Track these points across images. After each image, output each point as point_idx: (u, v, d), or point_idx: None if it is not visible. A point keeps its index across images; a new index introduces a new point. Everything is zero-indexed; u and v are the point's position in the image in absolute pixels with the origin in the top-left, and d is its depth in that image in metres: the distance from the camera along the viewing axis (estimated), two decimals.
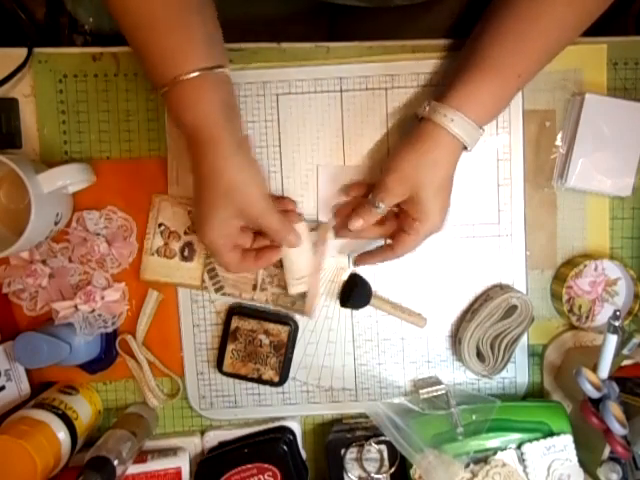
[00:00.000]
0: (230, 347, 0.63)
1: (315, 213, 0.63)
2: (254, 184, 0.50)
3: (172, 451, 0.63)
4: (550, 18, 0.49)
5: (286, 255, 0.58)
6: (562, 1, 0.48)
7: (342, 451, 0.62)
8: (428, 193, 0.52)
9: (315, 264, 0.60)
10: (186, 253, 0.62)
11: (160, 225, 0.62)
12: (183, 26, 0.47)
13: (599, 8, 0.50)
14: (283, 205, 0.60)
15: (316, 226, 0.61)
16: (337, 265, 0.63)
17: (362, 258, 0.61)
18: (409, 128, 0.57)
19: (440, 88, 0.60)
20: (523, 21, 0.49)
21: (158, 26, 0.47)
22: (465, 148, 0.53)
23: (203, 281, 0.63)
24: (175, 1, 0.47)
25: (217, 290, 0.63)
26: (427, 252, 0.63)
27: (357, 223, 0.56)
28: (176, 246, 0.62)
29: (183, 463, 0.62)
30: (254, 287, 0.63)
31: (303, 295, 0.62)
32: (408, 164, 0.52)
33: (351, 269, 0.63)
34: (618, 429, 0.53)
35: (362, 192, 0.60)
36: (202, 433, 0.65)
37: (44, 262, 0.61)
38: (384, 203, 0.54)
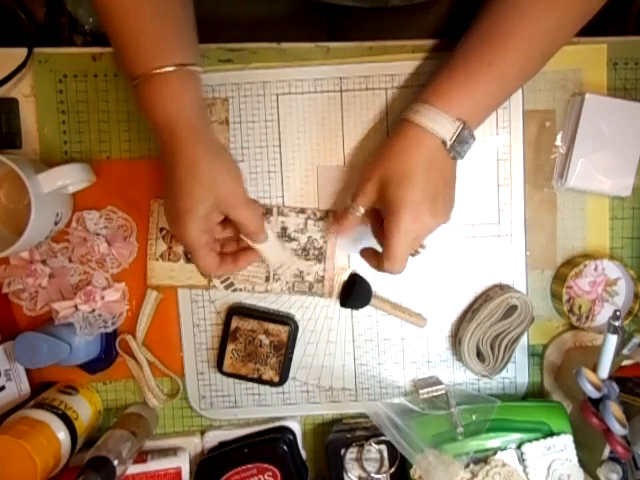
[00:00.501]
0: (230, 347, 0.63)
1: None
2: (234, 173, 0.51)
3: (172, 451, 0.63)
4: (529, 16, 0.48)
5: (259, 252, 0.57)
6: (543, 1, 0.48)
7: (342, 451, 0.62)
8: (391, 184, 0.50)
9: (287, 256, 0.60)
10: (190, 255, 0.62)
11: (162, 230, 0.62)
12: (164, 18, 0.47)
13: (581, 11, 0.50)
14: None
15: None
16: (337, 265, 0.63)
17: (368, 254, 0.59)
18: None
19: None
20: (501, 19, 0.49)
21: (139, 15, 0.47)
22: (444, 143, 0.50)
23: (210, 280, 0.63)
24: None
25: (227, 287, 0.63)
26: (427, 252, 0.63)
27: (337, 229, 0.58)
28: (179, 249, 0.62)
29: (183, 463, 0.62)
30: (267, 279, 0.63)
31: (320, 279, 0.62)
32: (372, 159, 0.53)
33: (351, 269, 0.63)
34: (618, 429, 0.53)
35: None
36: (202, 433, 0.65)
37: (44, 262, 0.61)
38: (359, 205, 0.54)
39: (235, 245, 0.57)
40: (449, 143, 0.50)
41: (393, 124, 0.61)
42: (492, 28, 0.50)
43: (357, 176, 0.56)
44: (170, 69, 0.47)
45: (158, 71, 0.47)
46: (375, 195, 0.53)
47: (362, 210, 0.54)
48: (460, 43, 0.53)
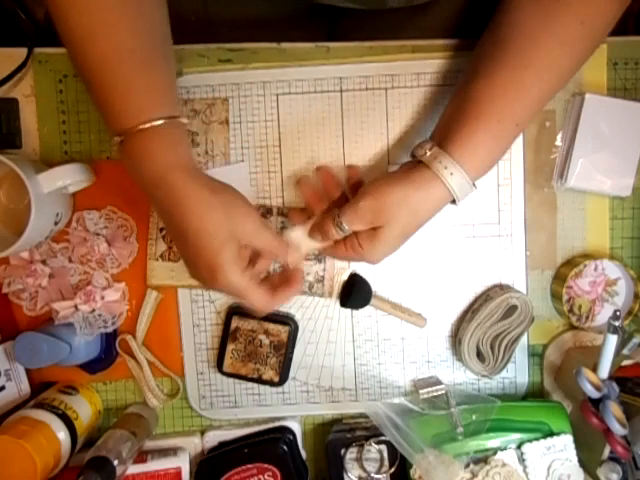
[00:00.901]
0: (230, 347, 0.63)
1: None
2: (241, 198, 0.48)
3: (172, 451, 0.63)
4: (543, 61, 0.48)
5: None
6: (553, 42, 0.48)
7: (342, 451, 0.62)
8: (390, 234, 0.50)
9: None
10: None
11: (162, 230, 0.62)
12: (152, 71, 0.45)
13: (592, 46, 0.50)
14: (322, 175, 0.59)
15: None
16: (337, 265, 0.63)
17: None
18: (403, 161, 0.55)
19: (440, 122, 0.56)
20: (516, 67, 0.48)
21: (125, 70, 0.44)
22: (453, 202, 0.51)
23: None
24: (143, 45, 0.45)
25: None
26: (427, 252, 0.63)
27: (316, 238, 0.55)
28: None
29: (183, 463, 0.62)
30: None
31: (320, 279, 0.62)
32: (390, 199, 0.49)
33: (351, 269, 0.63)
34: (618, 429, 0.53)
35: (324, 206, 0.57)
36: (202, 433, 0.65)
37: (44, 262, 0.61)
38: (349, 226, 0.51)
39: (278, 275, 0.56)
40: (457, 204, 0.51)
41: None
42: (519, 86, 0.49)
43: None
44: (159, 122, 0.45)
45: (146, 125, 0.44)
46: (369, 226, 0.51)
47: (348, 231, 0.52)
48: (485, 92, 0.49)
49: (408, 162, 0.53)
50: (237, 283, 0.47)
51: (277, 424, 0.64)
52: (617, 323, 0.55)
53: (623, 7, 0.48)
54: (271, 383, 0.63)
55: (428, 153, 0.50)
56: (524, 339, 0.64)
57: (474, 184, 0.50)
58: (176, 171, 0.45)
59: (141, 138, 0.45)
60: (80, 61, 0.45)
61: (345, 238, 0.54)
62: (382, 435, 0.60)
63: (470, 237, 0.63)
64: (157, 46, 0.46)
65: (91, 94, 0.46)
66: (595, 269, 0.63)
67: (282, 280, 0.54)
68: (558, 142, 0.63)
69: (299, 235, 0.56)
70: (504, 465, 0.58)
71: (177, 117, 0.47)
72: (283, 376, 0.63)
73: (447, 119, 0.52)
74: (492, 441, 0.59)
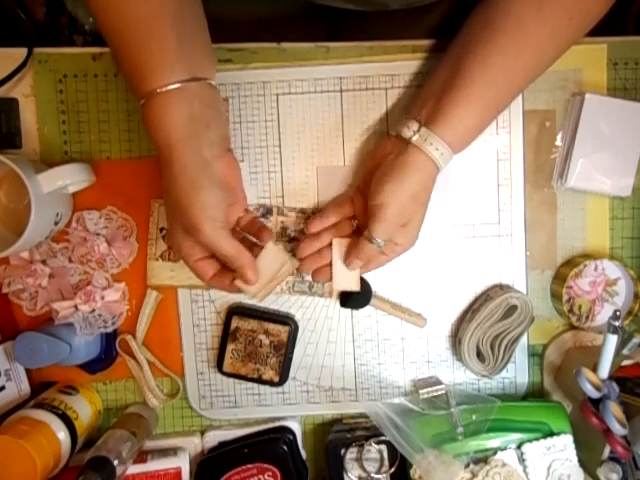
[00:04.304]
0: (230, 347, 0.63)
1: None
2: (200, 208, 0.48)
3: (172, 451, 0.63)
4: (531, 50, 0.50)
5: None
6: (542, 33, 0.50)
7: (342, 451, 0.62)
8: (417, 220, 0.54)
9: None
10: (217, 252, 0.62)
11: (162, 230, 0.62)
12: (151, 39, 0.46)
13: (575, 40, 0.52)
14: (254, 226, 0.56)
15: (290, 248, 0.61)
16: None
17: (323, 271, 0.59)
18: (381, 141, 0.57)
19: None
20: (506, 54, 0.50)
21: (129, 39, 0.46)
22: (438, 169, 0.53)
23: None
24: (154, 8, 0.45)
25: None
26: (427, 252, 0.63)
27: (356, 265, 0.55)
28: None
29: (183, 463, 0.62)
30: None
31: None
32: (405, 198, 0.51)
33: None
34: (618, 429, 0.53)
35: (323, 226, 0.58)
36: (202, 433, 0.65)
37: (44, 262, 0.61)
38: (385, 239, 0.53)
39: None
40: (442, 169, 0.53)
41: (394, 131, 0.61)
42: (505, 72, 0.51)
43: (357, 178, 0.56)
44: (158, 90, 0.46)
45: (159, 90, 0.46)
46: (400, 228, 0.53)
47: (383, 243, 0.53)
48: (471, 73, 0.51)
49: (397, 144, 0.54)
50: (176, 252, 0.53)
51: (277, 424, 0.64)
52: (617, 323, 0.55)
53: (608, 6, 0.50)
54: (271, 383, 0.63)
55: (416, 136, 0.51)
56: (524, 339, 0.64)
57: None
58: (163, 150, 0.48)
59: (146, 106, 0.47)
60: (105, 26, 0.47)
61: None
62: (382, 435, 0.60)
63: (470, 237, 0.63)
64: (164, 12, 0.46)
65: (116, 59, 0.49)
66: (595, 269, 0.63)
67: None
68: (558, 142, 0.63)
69: (270, 246, 0.54)
70: (504, 465, 0.58)
71: (186, 80, 0.47)
72: (283, 376, 0.63)
73: (434, 95, 0.53)
74: (492, 441, 0.59)
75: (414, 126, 0.52)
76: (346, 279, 0.57)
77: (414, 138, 0.52)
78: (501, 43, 0.50)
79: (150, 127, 0.48)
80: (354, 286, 0.58)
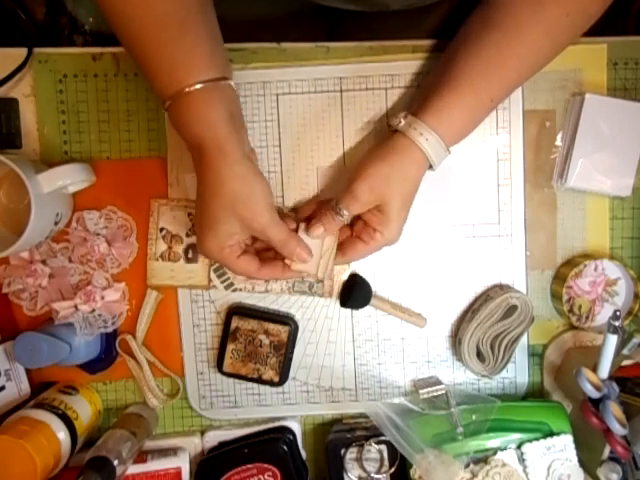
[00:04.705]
0: (230, 347, 0.63)
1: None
2: (260, 194, 0.49)
3: (172, 451, 0.63)
4: (527, 46, 0.50)
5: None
6: (539, 30, 0.50)
7: (342, 451, 0.62)
8: (395, 206, 0.52)
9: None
10: (190, 255, 0.62)
11: (162, 230, 0.62)
12: (186, 36, 0.46)
13: (572, 38, 0.52)
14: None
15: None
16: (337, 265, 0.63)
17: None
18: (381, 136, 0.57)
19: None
20: (502, 48, 0.50)
21: (159, 37, 0.46)
22: (430, 167, 0.53)
23: (210, 280, 0.63)
24: (176, 9, 0.46)
25: (227, 287, 0.63)
26: (427, 252, 0.63)
27: (318, 230, 0.54)
28: (179, 249, 0.62)
29: (183, 463, 0.62)
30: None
31: (319, 279, 0.62)
32: (378, 174, 0.52)
33: (351, 269, 0.63)
34: (618, 429, 0.53)
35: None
36: (202, 433, 0.65)
37: (44, 262, 0.61)
38: (349, 211, 0.53)
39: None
40: (434, 169, 0.53)
41: (387, 127, 0.61)
42: (498, 63, 0.51)
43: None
44: (198, 87, 0.46)
45: (186, 90, 0.46)
46: (369, 206, 0.53)
47: (349, 216, 0.53)
48: (464, 65, 0.52)
49: (386, 134, 0.55)
50: (214, 256, 0.51)
51: (277, 424, 0.64)
52: (617, 323, 0.55)
53: (605, 6, 0.50)
54: (271, 383, 0.63)
55: (402, 122, 0.52)
56: (524, 339, 0.64)
57: (448, 149, 0.52)
58: (206, 139, 0.47)
59: (179, 104, 0.47)
60: (121, 32, 0.47)
61: (361, 234, 0.55)
62: (382, 435, 0.60)
63: (470, 237, 0.63)
64: (194, 11, 0.47)
65: (136, 62, 0.48)
66: (595, 269, 0.63)
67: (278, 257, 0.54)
68: (558, 142, 0.63)
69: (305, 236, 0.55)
70: (504, 465, 0.58)
71: (215, 80, 0.47)
72: (283, 376, 0.63)
73: (424, 91, 0.54)
74: (492, 441, 0.59)
75: (402, 115, 0.53)
76: (312, 263, 0.55)
77: (400, 125, 0.52)
78: (496, 37, 0.51)
79: (191, 123, 0.47)
80: (312, 269, 0.55)
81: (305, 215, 0.58)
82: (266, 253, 0.56)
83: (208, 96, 0.47)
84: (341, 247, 0.56)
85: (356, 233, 0.56)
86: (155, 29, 0.46)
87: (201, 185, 0.50)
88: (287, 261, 0.54)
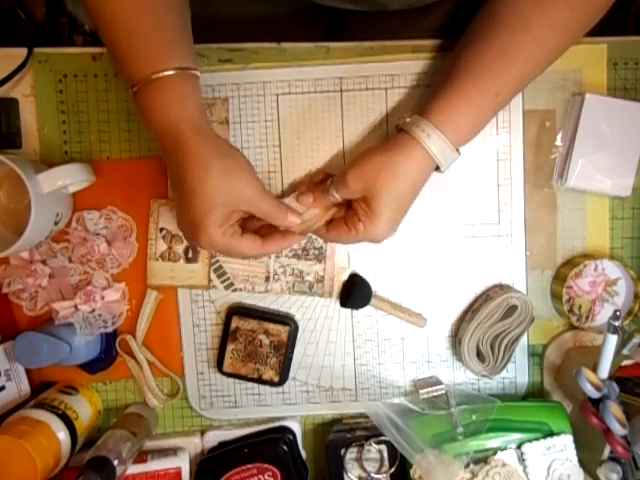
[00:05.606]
0: (230, 347, 0.63)
1: None
2: (245, 165, 0.50)
3: (172, 451, 0.63)
4: (532, 41, 0.50)
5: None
6: (543, 25, 0.50)
7: (342, 451, 0.62)
8: (381, 202, 0.51)
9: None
10: (190, 255, 0.62)
11: (162, 230, 0.62)
12: (163, 26, 0.47)
13: (578, 34, 0.52)
14: None
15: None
16: (337, 265, 0.63)
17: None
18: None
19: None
20: (505, 43, 0.50)
21: (138, 24, 0.47)
22: (438, 169, 0.52)
23: (210, 280, 0.63)
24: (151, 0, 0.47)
25: (227, 287, 0.63)
26: (427, 252, 0.63)
27: (308, 199, 0.55)
28: (179, 249, 0.62)
29: (183, 463, 0.62)
30: (267, 279, 0.63)
31: (320, 279, 0.62)
32: (371, 166, 0.51)
33: (351, 269, 0.63)
34: (618, 429, 0.53)
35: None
36: (202, 433, 0.65)
37: (44, 262, 0.61)
38: (337, 194, 0.54)
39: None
40: (442, 170, 0.53)
41: (394, 128, 0.61)
42: (503, 60, 0.50)
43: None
44: (170, 72, 0.47)
45: (158, 75, 0.46)
46: (356, 195, 0.53)
47: (337, 198, 0.54)
48: (469, 62, 0.52)
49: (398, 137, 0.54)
50: (218, 243, 0.50)
51: (277, 424, 0.64)
52: (617, 323, 0.55)
53: (611, 0, 0.50)
54: (271, 383, 0.63)
55: (407, 120, 0.52)
56: (524, 339, 0.64)
57: (458, 150, 0.52)
58: (185, 125, 0.47)
59: (152, 88, 0.47)
60: (97, 17, 0.48)
61: (346, 218, 0.55)
62: (382, 435, 0.60)
63: (470, 237, 0.63)
64: (166, 2, 0.48)
65: (108, 48, 0.49)
66: (595, 269, 0.63)
67: (274, 231, 0.55)
68: (558, 142, 0.63)
69: (296, 204, 0.56)
70: (504, 465, 0.58)
71: (190, 69, 0.48)
72: (283, 376, 0.63)
73: (432, 91, 0.54)
74: (492, 441, 0.59)
75: (407, 114, 0.53)
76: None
77: (405, 123, 0.52)
78: (501, 32, 0.50)
79: (168, 106, 0.47)
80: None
81: (301, 189, 0.58)
82: (259, 232, 0.56)
83: (183, 81, 0.48)
84: (330, 223, 0.56)
85: (347, 216, 0.55)
86: (138, 17, 0.47)
87: (184, 172, 0.48)
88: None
